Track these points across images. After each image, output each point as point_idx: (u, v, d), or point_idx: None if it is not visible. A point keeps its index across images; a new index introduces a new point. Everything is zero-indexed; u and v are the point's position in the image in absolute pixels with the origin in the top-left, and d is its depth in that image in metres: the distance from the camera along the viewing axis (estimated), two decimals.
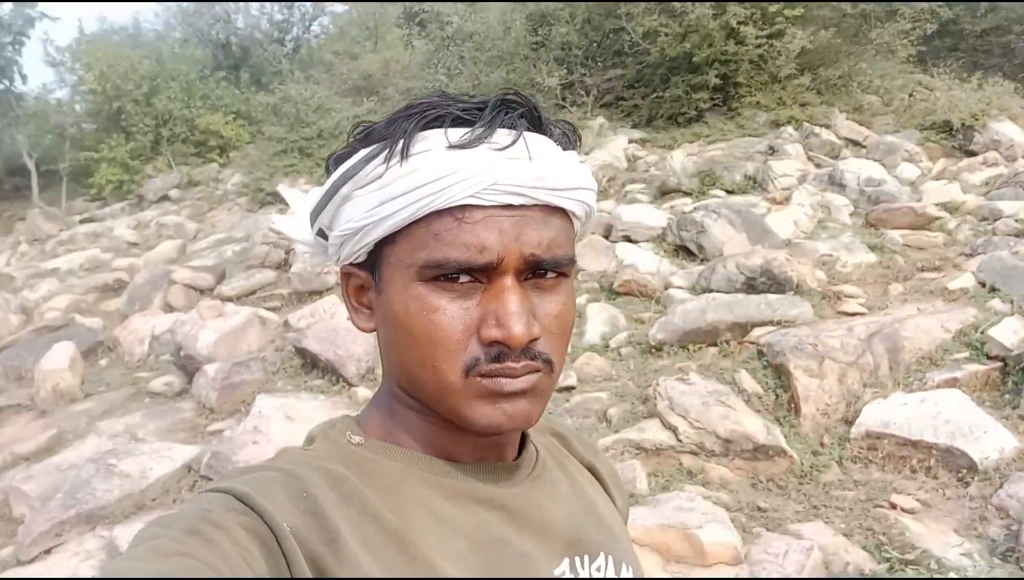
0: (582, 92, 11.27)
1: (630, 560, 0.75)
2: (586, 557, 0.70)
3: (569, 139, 0.68)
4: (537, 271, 0.63)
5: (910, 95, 10.30)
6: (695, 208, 6.80)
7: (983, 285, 4.62)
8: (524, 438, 0.76)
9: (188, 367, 5.61)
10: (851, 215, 7.15)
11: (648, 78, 10.91)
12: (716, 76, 9.94)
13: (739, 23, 9.67)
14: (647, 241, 6.90)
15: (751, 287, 5.29)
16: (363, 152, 0.63)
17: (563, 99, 11.10)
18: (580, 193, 0.66)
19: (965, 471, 3.22)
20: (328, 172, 0.67)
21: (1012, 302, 4.25)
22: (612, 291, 5.92)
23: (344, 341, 5.00)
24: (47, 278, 9.68)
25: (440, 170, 0.59)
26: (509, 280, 0.61)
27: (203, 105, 13.92)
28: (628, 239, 6.95)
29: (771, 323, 4.68)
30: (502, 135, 0.61)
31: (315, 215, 0.69)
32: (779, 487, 3.54)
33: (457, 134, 0.61)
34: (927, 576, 2.15)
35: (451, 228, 0.60)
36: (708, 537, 2.94)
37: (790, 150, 8.80)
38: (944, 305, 4.57)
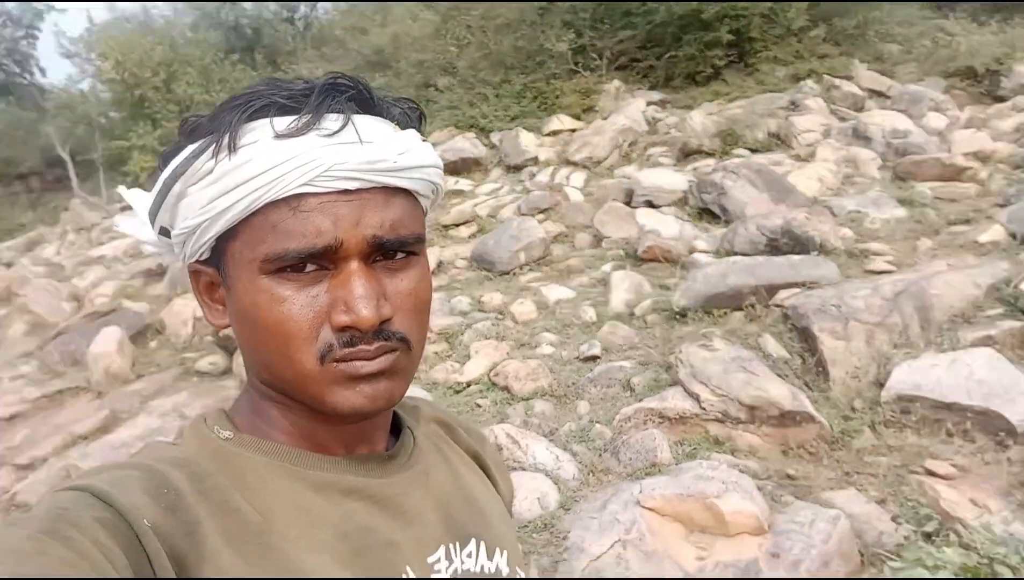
0: (595, 56, 11.08)
1: (505, 544, 0.76)
2: (458, 544, 0.71)
3: (410, 117, 0.67)
4: (386, 253, 0.63)
5: (932, 41, 9.98)
6: (714, 169, 6.69)
7: (1014, 237, 4.49)
8: (399, 428, 0.76)
9: (229, 346, 5.84)
10: (879, 169, 6.98)
11: (660, 37, 10.69)
12: (728, 32, 9.73)
13: None
14: (669, 205, 6.82)
15: (774, 248, 5.21)
16: (191, 147, 0.63)
17: (576, 64, 10.93)
18: (421, 172, 0.65)
19: (1003, 434, 3.15)
20: (160, 169, 0.66)
21: None
22: (636, 258, 5.88)
23: None
24: (94, 265, 9.83)
25: (270, 161, 0.59)
26: (354, 264, 0.61)
27: (222, 88, 13.93)
28: (650, 204, 6.86)
29: (796, 285, 4.60)
30: (330, 120, 0.61)
31: (154, 213, 0.68)
32: (810, 454, 3.50)
33: (283, 123, 0.60)
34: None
35: (287, 218, 0.60)
36: (728, 506, 2.89)
37: (812, 104, 8.60)
38: (975, 259, 4.45)
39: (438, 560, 0.68)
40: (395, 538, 0.66)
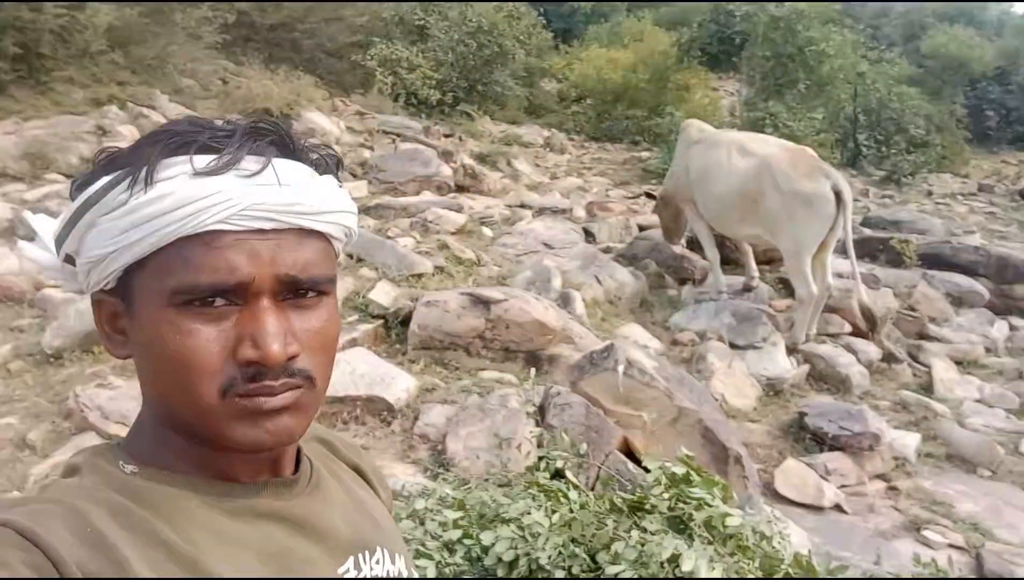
0: None
1: (400, 549, 0.82)
2: (366, 552, 0.75)
3: (328, 164, 0.71)
4: (297, 291, 0.65)
5: (224, 81, 10.95)
6: (47, 196, 6.11)
7: (351, 257, 5.52)
8: (299, 452, 0.79)
9: None
10: None
11: None
12: (14, 44, 8.77)
13: None
14: None
15: None
16: (106, 178, 0.63)
17: None
18: (336, 216, 0.68)
19: (386, 413, 3.95)
20: (72, 198, 0.66)
21: (376, 269, 5.24)
22: None
23: None
24: None
25: (186, 197, 0.60)
26: (265, 301, 0.63)
27: None
28: None
29: None
30: (250, 162, 0.63)
31: (60, 242, 0.68)
32: None
33: (203, 161, 0.62)
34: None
35: (200, 253, 0.61)
36: None
37: (124, 131, 8.48)
38: None
39: (347, 571, 0.72)
40: (310, 555, 0.70)
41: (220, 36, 10.89)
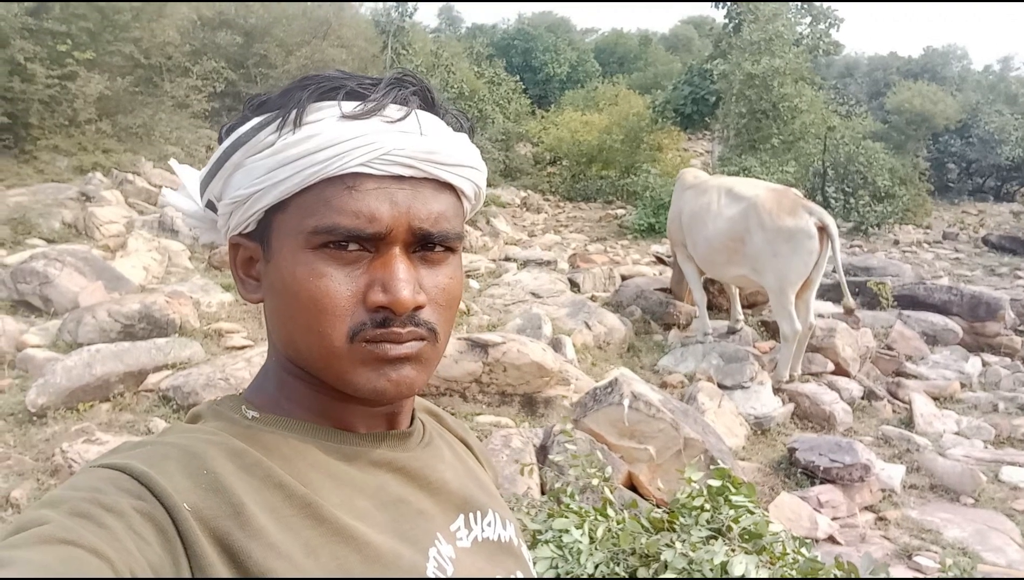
0: None
1: (511, 518, 0.81)
2: (478, 513, 0.75)
3: (461, 124, 0.71)
4: (426, 244, 0.66)
5: (208, 149, 11.15)
6: (32, 257, 6.11)
7: None
8: (413, 411, 0.80)
9: None
10: (190, 259, 7.47)
11: None
12: (3, 114, 8.93)
13: (26, 60, 8.90)
14: None
15: (129, 334, 5.14)
16: (256, 120, 0.65)
17: None
18: (469, 172, 0.69)
19: None
20: (221, 141, 0.68)
21: None
22: None
23: None
24: None
25: (332, 138, 0.62)
26: (397, 250, 0.63)
27: None
28: None
29: (166, 367, 4.70)
30: (394, 109, 0.64)
31: (205, 184, 0.69)
32: None
33: (350, 106, 0.63)
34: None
35: (342, 195, 0.62)
36: None
37: (108, 196, 8.58)
38: None
39: (458, 528, 0.71)
40: (423, 507, 0.69)
41: (208, 104, 11.11)
